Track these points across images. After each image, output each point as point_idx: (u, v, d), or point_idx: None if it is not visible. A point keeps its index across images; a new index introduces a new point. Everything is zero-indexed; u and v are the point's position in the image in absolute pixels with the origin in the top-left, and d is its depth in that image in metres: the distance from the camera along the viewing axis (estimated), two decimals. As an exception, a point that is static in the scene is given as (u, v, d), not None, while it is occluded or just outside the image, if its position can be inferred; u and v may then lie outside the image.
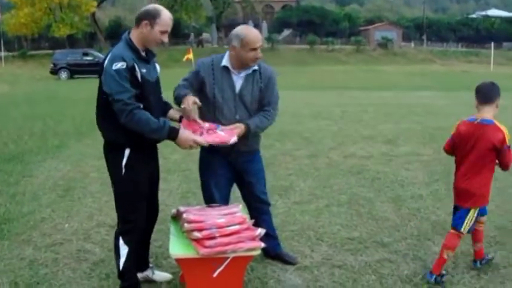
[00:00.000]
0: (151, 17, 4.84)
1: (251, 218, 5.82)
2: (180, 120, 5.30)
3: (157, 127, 4.78)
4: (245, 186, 5.96)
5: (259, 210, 5.99)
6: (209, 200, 5.69)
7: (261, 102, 5.65)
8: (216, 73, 5.49)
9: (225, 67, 5.52)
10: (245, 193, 6.04)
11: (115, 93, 4.67)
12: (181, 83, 5.56)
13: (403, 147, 13.03)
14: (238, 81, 5.56)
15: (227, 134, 5.23)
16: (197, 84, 5.51)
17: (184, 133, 4.95)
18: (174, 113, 5.35)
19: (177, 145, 5.00)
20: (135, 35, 4.91)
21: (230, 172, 5.79)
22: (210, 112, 5.53)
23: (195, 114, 5.33)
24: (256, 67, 5.60)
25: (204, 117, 5.49)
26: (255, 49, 5.41)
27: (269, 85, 5.67)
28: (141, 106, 4.76)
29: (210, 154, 5.60)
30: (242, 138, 5.40)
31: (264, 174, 6.10)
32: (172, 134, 4.88)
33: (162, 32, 4.89)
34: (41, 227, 7.40)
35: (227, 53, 5.57)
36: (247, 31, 5.48)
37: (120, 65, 4.67)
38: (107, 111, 4.83)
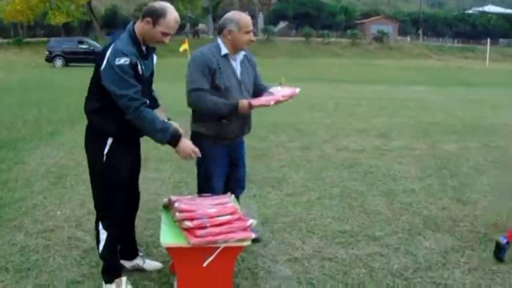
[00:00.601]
0: (156, 15, 4.74)
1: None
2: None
3: (162, 128, 4.76)
4: (232, 171, 5.99)
5: (234, 195, 6.04)
6: (209, 191, 5.62)
7: (255, 85, 5.85)
8: (220, 63, 5.50)
9: (226, 55, 5.55)
10: (230, 177, 6.03)
11: (119, 88, 4.62)
12: (203, 93, 5.43)
13: (396, 141, 13.03)
14: (237, 67, 5.64)
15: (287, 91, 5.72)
16: (210, 79, 5.48)
17: (185, 142, 4.94)
18: (159, 113, 5.31)
19: (175, 152, 4.99)
20: (138, 28, 4.85)
21: (228, 162, 5.85)
22: None
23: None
24: (245, 52, 5.74)
25: None
26: (249, 32, 5.52)
27: (256, 69, 5.94)
28: (148, 102, 4.75)
29: (213, 145, 5.63)
30: (248, 119, 5.78)
31: (245, 159, 6.23)
32: (174, 140, 4.86)
33: (164, 34, 4.82)
34: (33, 213, 7.39)
35: (220, 41, 5.58)
36: (240, 15, 5.59)
37: (123, 60, 4.62)
38: (98, 100, 4.82)
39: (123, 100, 4.64)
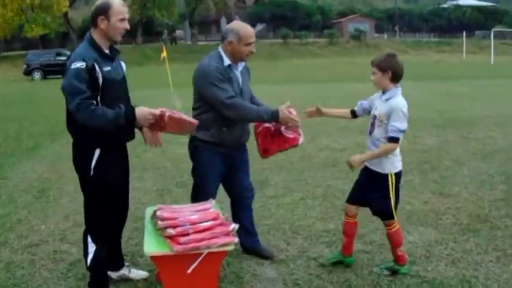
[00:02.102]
0: (104, 11, 4.82)
1: (233, 213, 6.02)
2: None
3: (115, 116, 4.72)
4: (233, 177, 6.03)
5: (243, 206, 6.16)
6: (204, 196, 5.59)
7: (250, 93, 5.95)
8: (226, 72, 5.55)
9: (229, 65, 5.59)
10: (232, 185, 6.11)
11: (69, 93, 4.66)
12: (238, 100, 5.48)
13: (377, 138, 13.07)
14: (239, 76, 5.70)
15: (293, 135, 5.72)
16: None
17: (140, 109, 4.90)
18: None
19: (138, 127, 5.05)
20: (96, 34, 4.90)
21: (224, 168, 5.88)
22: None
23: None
24: (244, 62, 5.78)
25: (217, 114, 5.55)
26: (250, 44, 5.53)
27: (250, 76, 6.00)
28: (94, 103, 4.71)
29: (209, 151, 5.69)
30: (247, 127, 5.88)
31: (249, 166, 6.25)
32: (130, 116, 4.83)
33: (121, 20, 4.88)
34: (17, 228, 7.38)
35: (221, 51, 5.61)
36: (241, 27, 5.60)
37: (79, 64, 4.65)
38: None
39: (71, 105, 4.65)
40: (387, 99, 5.45)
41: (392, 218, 5.62)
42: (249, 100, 5.88)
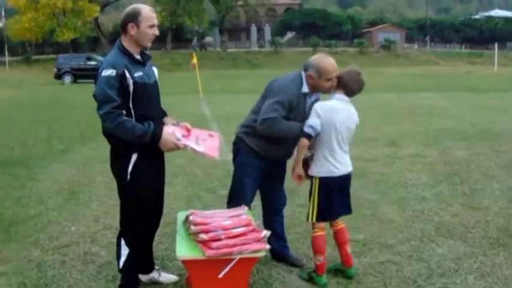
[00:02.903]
0: (133, 17, 4.90)
1: (265, 219, 6.07)
2: None
3: (142, 133, 4.82)
4: (268, 182, 6.08)
5: (276, 211, 6.21)
6: (240, 201, 5.66)
7: None
8: (299, 99, 5.61)
9: (305, 94, 5.64)
10: (265, 189, 6.16)
11: (100, 101, 4.76)
12: (279, 116, 5.51)
13: (407, 149, 13.06)
14: (309, 105, 5.70)
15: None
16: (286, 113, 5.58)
17: (168, 137, 4.99)
18: (168, 120, 5.38)
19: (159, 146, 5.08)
20: (126, 41, 4.98)
21: (263, 175, 5.95)
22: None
23: None
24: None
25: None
26: (331, 79, 5.51)
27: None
28: (124, 113, 4.80)
29: (253, 158, 5.79)
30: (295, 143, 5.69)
31: (285, 174, 6.31)
32: (156, 138, 4.93)
33: (150, 26, 4.95)
34: (48, 229, 7.46)
35: (303, 77, 5.64)
36: (322, 61, 5.56)
37: (109, 72, 4.74)
38: None
39: (100, 113, 4.76)
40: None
41: (308, 220, 5.70)
42: None
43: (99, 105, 4.77)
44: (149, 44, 5.07)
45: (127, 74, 4.81)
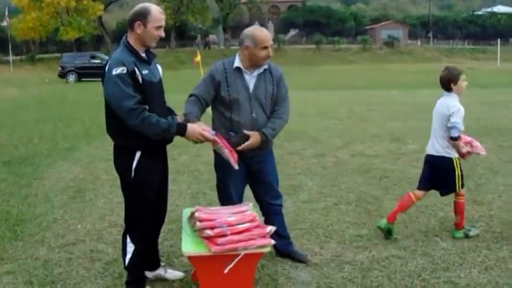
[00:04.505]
0: (142, 16, 4.90)
1: (265, 220, 5.95)
2: None
3: (168, 126, 4.88)
4: (259, 186, 6.06)
5: (271, 210, 6.11)
6: (226, 199, 5.77)
7: (274, 100, 5.82)
8: (229, 75, 5.61)
9: (238, 68, 5.64)
10: (259, 193, 6.13)
11: (119, 99, 4.75)
12: (190, 98, 5.63)
13: (411, 145, 13.07)
14: (252, 80, 5.69)
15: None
16: (213, 89, 5.62)
17: (191, 129, 5.05)
18: (178, 119, 5.40)
19: (186, 138, 5.12)
20: (132, 38, 4.98)
21: (245, 172, 5.88)
22: (227, 113, 5.65)
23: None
24: (266, 66, 5.75)
25: (221, 118, 5.69)
26: (266, 47, 5.57)
27: (280, 83, 5.85)
28: (147, 108, 4.83)
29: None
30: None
31: (277, 174, 6.21)
32: (180, 133, 5.00)
33: (157, 28, 4.95)
34: (54, 227, 7.50)
35: (237, 55, 5.70)
36: (258, 30, 5.67)
37: (120, 69, 4.74)
38: (114, 116, 4.89)
39: (122, 110, 4.75)
40: None
41: (456, 190, 6.95)
42: (270, 107, 5.83)
43: (118, 103, 4.75)
44: (153, 44, 5.07)
45: (137, 71, 4.84)
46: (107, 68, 4.85)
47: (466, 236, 6.71)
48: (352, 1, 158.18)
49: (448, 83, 6.75)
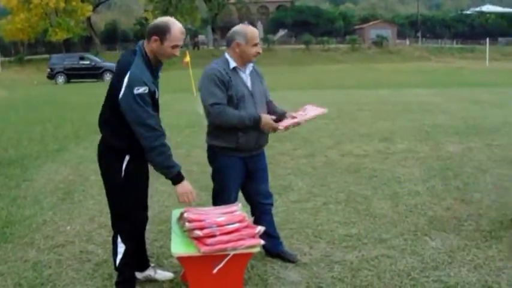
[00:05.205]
0: (161, 32, 4.80)
1: (254, 220, 5.99)
2: None
3: (170, 166, 5.04)
4: (252, 184, 6.04)
5: (262, 210, 6.12)
6: (225, 201, 5.68)
7: (265, 96, 5.94)
8: (231, 75, 5.58)
9: (234, 68, 5.64)
10: (250, 193, 6.12)
11: (140, 118, 4.72)
12: (220, 107, 5.47)
13: (400, 144, 13.09)
14: (247, 78, 5.72)
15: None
16: (226, 92, 5.54)
17: (185, 186, 5.24)
18: None
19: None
20: (148, 48, 4.91)
21: (245, 173, 5.91)
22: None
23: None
24: (252, 64, 5.81)
25: None
26: (256, 44, 5.62)
27: (263, 80, 6.01)
28: (165, 134, 4.89)
29: (229, 157, 5.72)
30: (264, 132, 5.82)
31: (268, 173, 6.24)
32: (176, 181, 5.22)
33: (173, 47, 4.86)
34: (43, 229, 7.49)
35: (227, 55, 5.68)
36: (247, 28, 5.68)
37: (142, 89, 4.68)
38: (113, 117, 4.87)
39: (143, 130, 4.75)
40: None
41: None
42: (265, 104, 5.92)
43: (139, 122, 4.74)
44: (165, 60, 5.05)
45: (156, 92, 4.89)
46: (126, 83, 4.71)
47: None
48: (340, 1, 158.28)
49: None
